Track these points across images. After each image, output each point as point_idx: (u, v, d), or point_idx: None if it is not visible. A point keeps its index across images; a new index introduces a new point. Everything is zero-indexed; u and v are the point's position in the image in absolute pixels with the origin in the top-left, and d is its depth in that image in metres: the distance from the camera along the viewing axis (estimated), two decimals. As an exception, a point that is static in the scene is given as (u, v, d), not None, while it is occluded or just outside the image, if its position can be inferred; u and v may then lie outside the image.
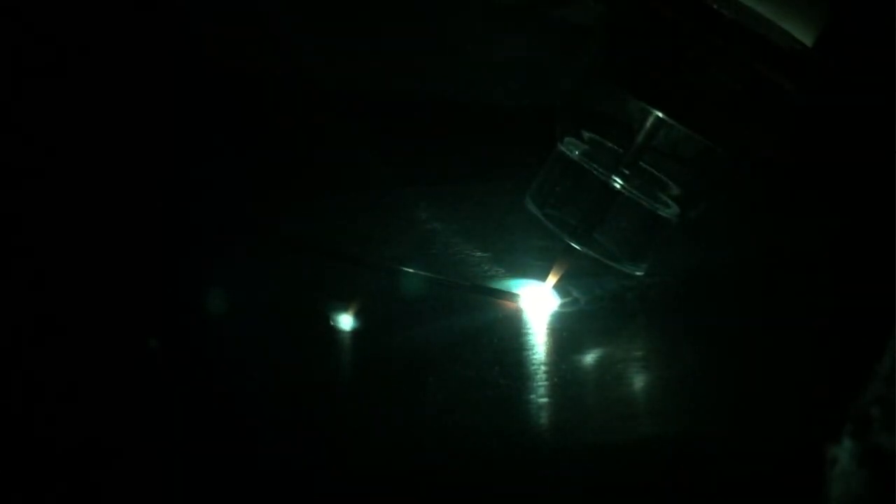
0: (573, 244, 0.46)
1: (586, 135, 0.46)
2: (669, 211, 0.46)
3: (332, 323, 0.46)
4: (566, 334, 0.47)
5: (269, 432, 0.42)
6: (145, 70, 0.53)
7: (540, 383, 0.44)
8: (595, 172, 0.45)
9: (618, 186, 0.45)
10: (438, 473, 0.41)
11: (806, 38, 0.42)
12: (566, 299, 0.48)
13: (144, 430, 0.41)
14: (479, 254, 0.50)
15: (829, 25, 0.42)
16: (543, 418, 0.43)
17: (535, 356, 0.46)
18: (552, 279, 0.48)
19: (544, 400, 0.44)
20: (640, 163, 0.45)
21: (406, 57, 0.56)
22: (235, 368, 0.44)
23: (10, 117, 0.50)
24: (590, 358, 0.46)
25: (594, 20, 0.51)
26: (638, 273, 0.47)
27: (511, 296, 0.48)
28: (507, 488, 0.41)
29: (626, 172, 0.45)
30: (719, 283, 0.50)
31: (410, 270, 0.48)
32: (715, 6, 0.41)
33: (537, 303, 0.48)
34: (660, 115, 0.42)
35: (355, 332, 0.46)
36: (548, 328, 0.47)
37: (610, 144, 0.46)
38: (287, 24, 0.55)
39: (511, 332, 0.47)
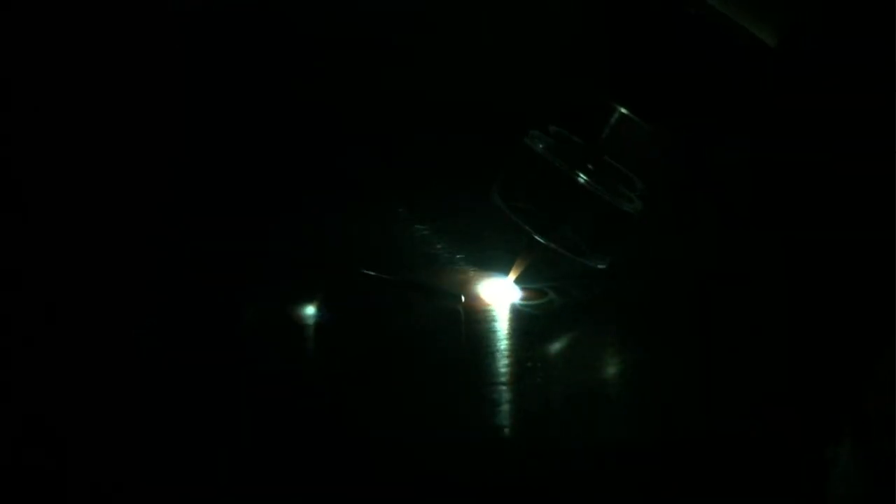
0: (538, 238, 0.46)
1: (552, 128, 0.46)
2: (633, 206, 0.46)
3: (304, 323, 0.46)
4: (552, 335, 0.48)
5: (248, 429, 0.42)
6: (145, 69, 0.53)
7: (521, 384, 0.45)
8: (559, 167, 0.45)
9: (582, 181, 0.45)
10: (426, 472, 0.41)
11: (769, 39, 0.42)
12: (543, 300, 0.48)
13: (141, 428, 0.42)
14: (458, 256, 0.51)
15: (796, 26, 0.43)
16: (528, 419, 0.43)
17: (515, 357, 0.46)
18: (515, 274, 0.48)
19: (527, 400, 0.44)
20: (605, 157, 0.45)
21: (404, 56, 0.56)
22: (217, 366, 0.44)
23: (12, 117, 0.51)
24: (573, 358, 0.47)
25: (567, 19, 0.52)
26: (601, 266, 0.47)
27: (486, 296, 0.49)
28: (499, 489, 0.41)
29: (591, 167, 0.45)
30: (718, 284, 0.50)
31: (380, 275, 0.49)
32: (681, 3, 0.41)
33: (511, 303, 0.48)
34: (624, 110, 0.43)
35: (330, 332, 0.47)
36: (529, 329, 0.48)
37: (576, 138, 0.46)
38: (287, 22, 0.55)
39: (489, 333, 0.47)
